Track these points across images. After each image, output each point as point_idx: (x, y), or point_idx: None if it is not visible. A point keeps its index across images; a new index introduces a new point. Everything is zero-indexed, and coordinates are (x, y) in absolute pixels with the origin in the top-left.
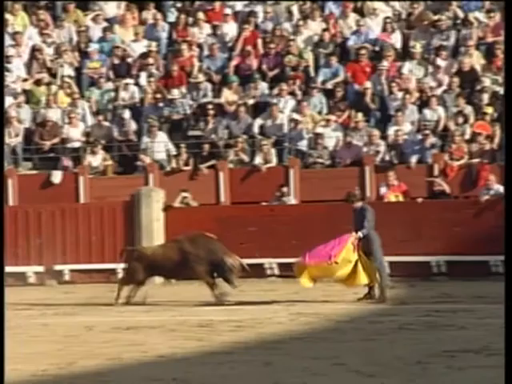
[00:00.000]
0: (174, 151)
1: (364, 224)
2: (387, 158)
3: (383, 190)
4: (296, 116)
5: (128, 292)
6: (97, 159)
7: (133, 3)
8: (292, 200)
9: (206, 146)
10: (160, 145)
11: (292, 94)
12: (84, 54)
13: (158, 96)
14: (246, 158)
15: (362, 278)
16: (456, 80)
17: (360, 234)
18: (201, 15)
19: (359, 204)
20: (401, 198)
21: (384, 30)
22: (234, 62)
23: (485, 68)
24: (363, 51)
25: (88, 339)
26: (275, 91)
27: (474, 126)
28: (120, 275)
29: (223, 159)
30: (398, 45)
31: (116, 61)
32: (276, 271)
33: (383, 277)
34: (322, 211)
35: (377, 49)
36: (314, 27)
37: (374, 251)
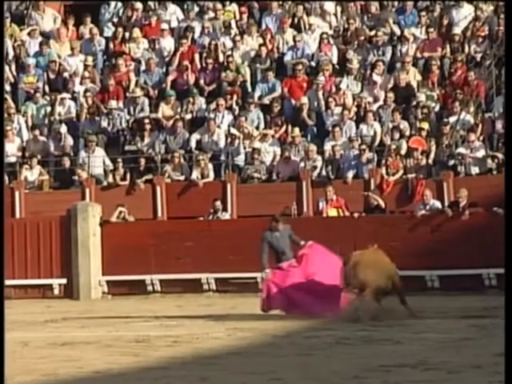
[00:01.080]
0: (110, 166)
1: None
2: (324, 173)
3: (322, 204)
4: (234, 131)
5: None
6: (33, 174)
7: (70, 15)
8: (226, 215)
9: (143, 161)
10: (97, 159)
11: (229, 108)
12: (20, 69)
13: (95, 110)
14: (183, 172)
15: None
16: (392, 95)
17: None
18: (137, 30)
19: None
20: (344, 212)
21: (320, 45)
22: (171, 77)
23: (420, 84)
24: (300, 66)
25: (24, 355)
26: (212, 106)
27: (410, 141)
28: None
29: (160, 174)
30: (335, 60)
31: (52, 75)
32: (213, 286)
33: None
34: (258, 226)
35: (313, 64)
36: (251, 42)
37: None
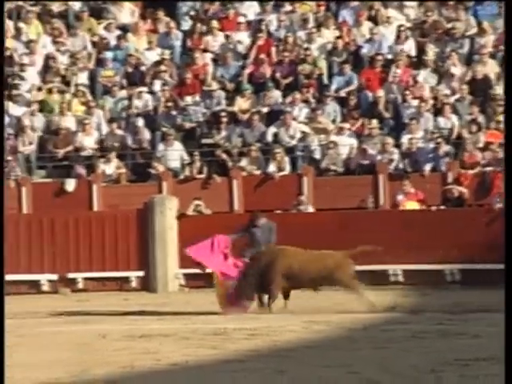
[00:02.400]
0: (187, 159)
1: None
2: (401, 166)
3: (400, 197)
4: (309, 127)
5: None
6: (110, 167)
7: (148, 9)
8: (309, 208)
9: (220, 154)
10: (174, 153)
11: (306, 102)
12: (98, 63)
13: (171, 104)
14: (259, 166)
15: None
16: (469, 88)
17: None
18: (215, 24)
19: (263, 220)
20: (417, 206)
21: (398, 38)
22: (247, 70)
23: (498, 76)
24: (377, 59)
25: (101, 347)
26: (289, 99)
27: (486, 135)
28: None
29: (236, 167)
30: (412, 53)
31: (130, 69)
32: None
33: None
34: (335, 219)
35: (390, 56)
36: (328, 35)
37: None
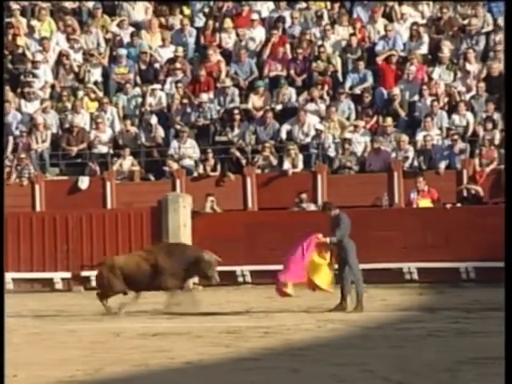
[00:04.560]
0: (201, 157)
1: (336, 231)
2: (416, 163)
3: (413, 195)
4: (323, 124)
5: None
6: (124, 165)
7: (162, 5)
8: (312, 207)
9: (234, 152)
10: (187, 150)
11: (320, 99)
12: (111, 60)
13: (185, 101)
14: (273, 162)
15: (322, 284)
16: (485, 85)
17: (328, 239)
18: (228, 21)
19: (336, 212)
20: (430, 205)
21: (412, 35)
22: (261, 68)
23: None
24: (391, 56)
25: (115, 345)
26: (303, 96)
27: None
28: None
29: (251, 165)
30: (427, 50)
31: (143, 66)
32: None
33: (359, 286)
34: (350, 217)
35: (405, 54)
36: (342, 32)
37: (350, 261)
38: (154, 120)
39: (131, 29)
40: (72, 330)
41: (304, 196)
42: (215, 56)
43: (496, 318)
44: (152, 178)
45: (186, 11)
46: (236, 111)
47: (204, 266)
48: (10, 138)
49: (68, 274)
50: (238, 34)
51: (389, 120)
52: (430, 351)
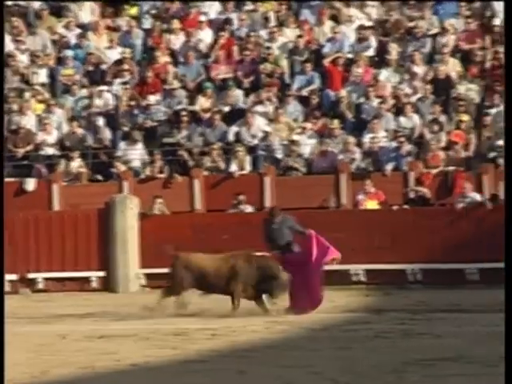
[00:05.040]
0: (148, 159)
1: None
2: (363, 165)
3: (360, 197)
4: (270, 126)
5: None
6: (71, 166)
7: (109, 6)
8: (249, 209)
9: (181, 154)
10: (135, 152)
11: (268, 101)
12: (58, 61)
13: (133, 103)
14: (221, 165)
15: None
16: (431, 87)
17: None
18: (176, 22)
19: (280, 218)
20: (377, 206)
21: (359, 37)
22: (209, 69)
23: (460, 76)
24: (338, 58)
25: (61, 348)
26: (250, 98)
27: (451, 135)
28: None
29: (198, 166)
30: (374, 52)
31: (90, 68)
32: None
33: None
34: (297, 219)
35: (352, 56)
36: (289, 34)
37: None
38: (101, 122)
39: (78, 30)
40: (18, 332)
41: (242, 197)
42: (163, 58)
43: (443, 319)
44: (99, 178)
45: (132, 10)
46: (183, 113)
47: (276, 286)
48: None
49: (14, 276)
50: (186, 36)
51: (336, 122)
52: (377, 353)
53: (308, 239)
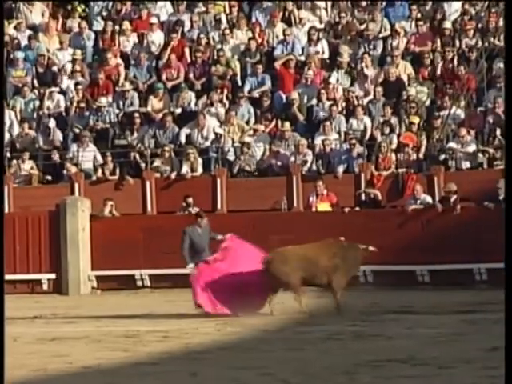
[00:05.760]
0: (100, 160)
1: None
2: (314, 167)
3: (312, 199)
4: (222, 128)
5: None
6: (22, 168)
7: (59, 9)
8: (193, 211)
9: (133, 155)
10: (86, 154)
11: (219, 103)
12: (8, 63)
13: (84, 105)
14: (172, 166)
15: None
16: (382, 89)
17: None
18: (127, 24)
19: (205, 221)
20: (329, 208)
21: (310, 39)
22: (160, 71)
23: (411, 78)
24: (290, 60)
25: (13, 350)
26: (202, 100)
27: (402, 137)
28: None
29: (149, 168)
30: (325, 54)
31: (41, 69)
32: None
33: None
34: (248, 221)
35: (303, 58)
36: (241, 36)
37: None
38: (52, 123)
39: (28, 31)
40: None
41: (190, 200)
42: (114, 59)
43: (395, 320)
44: (50, 181)
45: (79, 9)
46: (135, 115)
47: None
48: None
49: None
50: (138, 36)
51: (287, 124)
52: (329, 354)
53: (229, 243)
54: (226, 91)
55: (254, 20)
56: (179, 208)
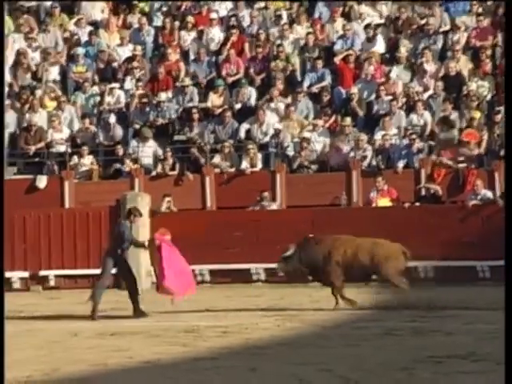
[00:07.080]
0: (160, 156)
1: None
2: (374, 162)
3: (372, 194)
4: (282, 123)
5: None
6: (83, 164)
7: (120, 4)
8: (274, 205)
9: (192, 151)
10: (146, 149)
11: (280, 97)
12: (69, 59)
13: (144, 100)
14: (232, 161)
15: None
16: (442, 84)
17: None
18: (187, 20)
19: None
20: (389, 203)
21: (370, 34)
22: (220, 67)
23: (471, 72)
24: (349, 55)
25: (73, 345)
26: (262, 95)
27: (464, 135)
28: None
29: (209, 164)
30: (385, 49)
31: (101, 65)
32: (262, 277)
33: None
34: (308, 216)
35: (363, 53)
36: (301, 31)
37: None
38: (112, 119)
39: (89, 27)
40: (29, 329)
41: (266, 194)
42: (174, 55)
43: (454, 316)
44: (111, 177)
45: (142, 5)
46: (195, 110)
47: None
48: None
49: (26, 274)
50: (198, 32)
51: (347, 119)
52: (388, 350)
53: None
54: (285, 87)
55: (315, 15)
56: (253, 202)
